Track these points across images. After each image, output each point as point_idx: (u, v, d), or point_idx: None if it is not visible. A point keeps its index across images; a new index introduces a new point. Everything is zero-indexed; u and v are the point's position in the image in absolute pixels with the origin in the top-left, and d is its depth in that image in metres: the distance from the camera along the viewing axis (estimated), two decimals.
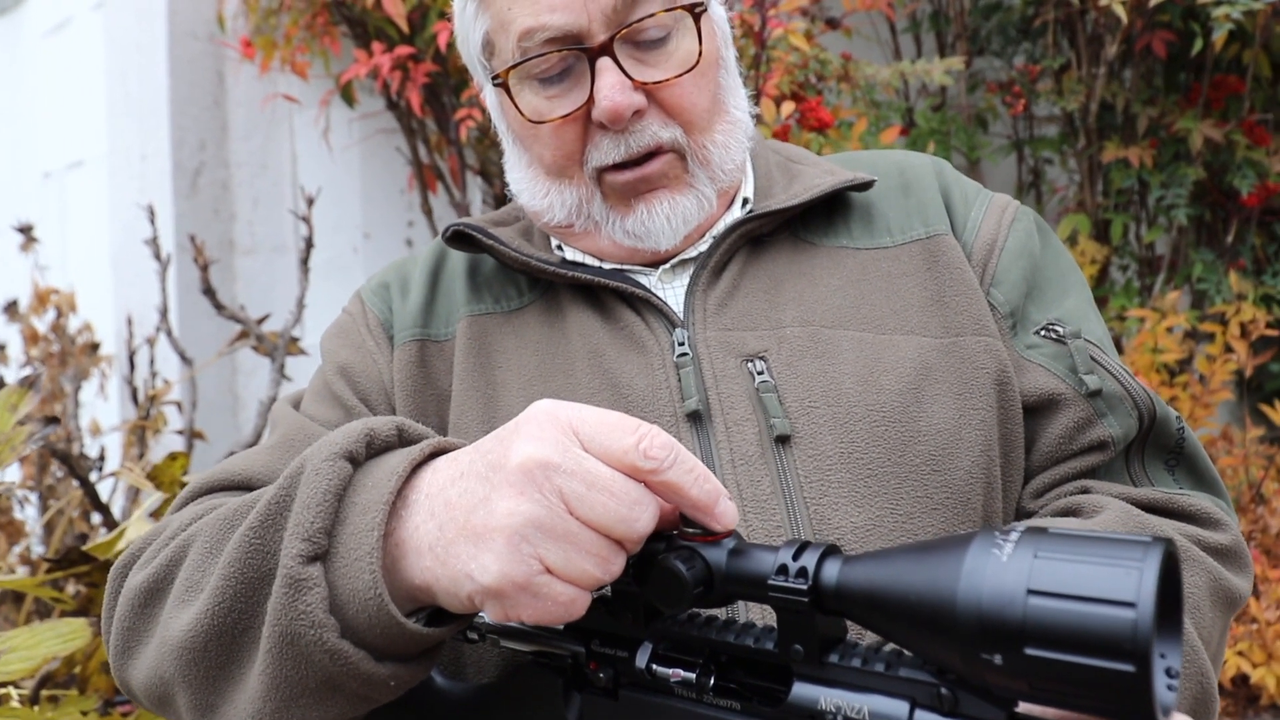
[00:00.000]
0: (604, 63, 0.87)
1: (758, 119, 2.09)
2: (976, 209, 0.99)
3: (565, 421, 0.64)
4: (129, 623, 0.77)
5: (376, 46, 2.26)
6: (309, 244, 2.21)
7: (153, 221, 2.19)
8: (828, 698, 0.60)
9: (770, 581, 0.61)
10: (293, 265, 2.58)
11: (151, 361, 2.44)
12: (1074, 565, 0.50)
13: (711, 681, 0.66)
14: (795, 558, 0.62)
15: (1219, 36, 1.95)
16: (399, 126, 2.65)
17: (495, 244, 0.96)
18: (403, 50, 2.24)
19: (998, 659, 0.51)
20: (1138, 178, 2.29)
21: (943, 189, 1.00)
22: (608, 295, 0.94)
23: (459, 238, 0.98)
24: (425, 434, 0.75)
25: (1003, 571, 0.52)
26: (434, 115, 2.48)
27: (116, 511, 2.57)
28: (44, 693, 1.63)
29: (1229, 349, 2.17)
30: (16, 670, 1.25)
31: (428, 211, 2.71)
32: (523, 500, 0.62)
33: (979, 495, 0.86)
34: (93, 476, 2.65)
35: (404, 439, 0.73)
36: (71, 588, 1.74)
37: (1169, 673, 0.53)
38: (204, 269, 2.08)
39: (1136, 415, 0.89)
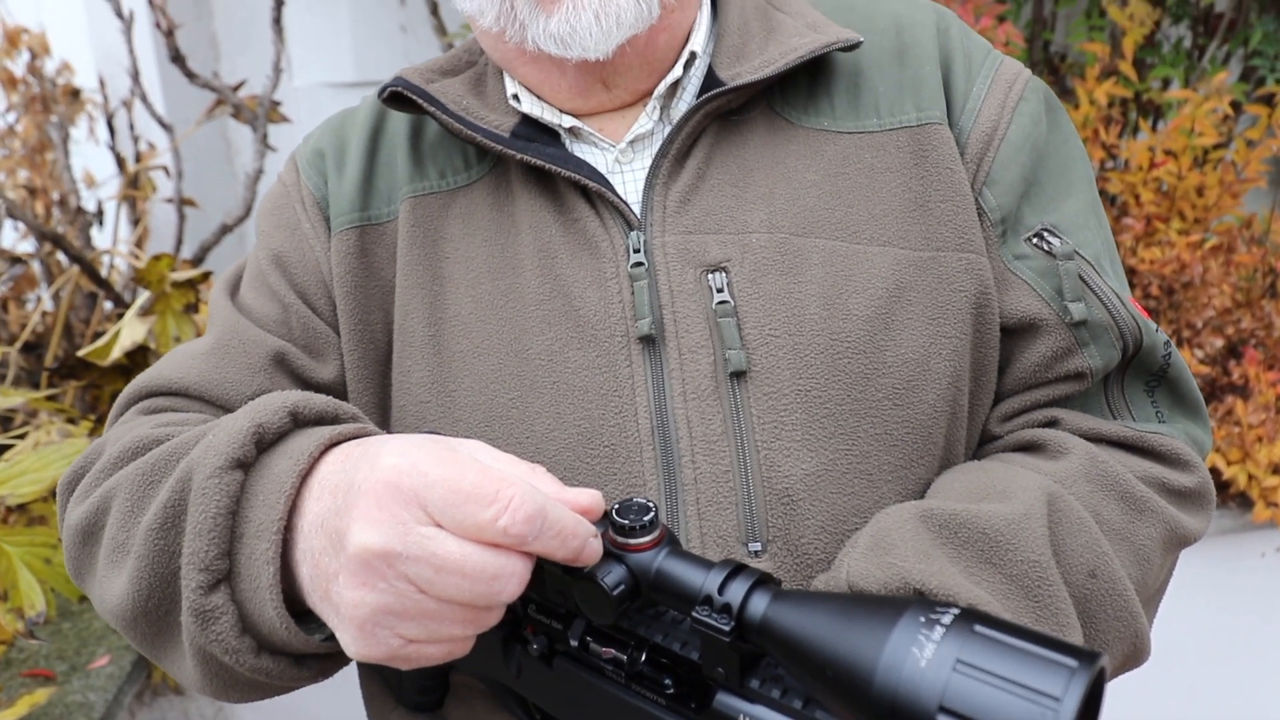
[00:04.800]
0: None
1: None
2: (980, 83, 0.88)
3: (409, 493, 0.58)
4: (75, 554, 0.79)
5: None
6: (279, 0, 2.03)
7: None
8: (748, 714, 0.62)
9: (695, 614, 0.61)
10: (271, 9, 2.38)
11: (131, 126, 2.33)
12: (990, 690, 0.49)
13: (644, 657, 0.68)
14: (722, 589, 0.61)
15: None
16: None
17: (438, 111, 0.87)
18: None
19: None
20: None
21: (943, 56, 0.89)
22: (561, 179, 0.86)
23: (397, 98, 0.89)
24: (323, 410, 0.71)
25: (919, 676, 0.51)
26: None
27: (123, 274, 2.58)
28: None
29: (1271, 133, 2.01)
30: (28, 493, 1.32)
31: None
32: (367, 591, 0.59)
33: (942, 428, 0.84)
34: (94, 233, 2.63)
35: (300, 420, 0.70)
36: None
37: None
38: (169, 34, 1.92)
39: (1121, 346, 0.84)
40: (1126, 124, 2.22)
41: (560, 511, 0.59)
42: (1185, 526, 0.83)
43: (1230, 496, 2.04)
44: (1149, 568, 0.80)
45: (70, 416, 1.72)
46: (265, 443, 0.68)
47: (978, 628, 0.51)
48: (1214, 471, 2.03)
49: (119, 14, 2.05)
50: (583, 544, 0.61)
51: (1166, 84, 2.20)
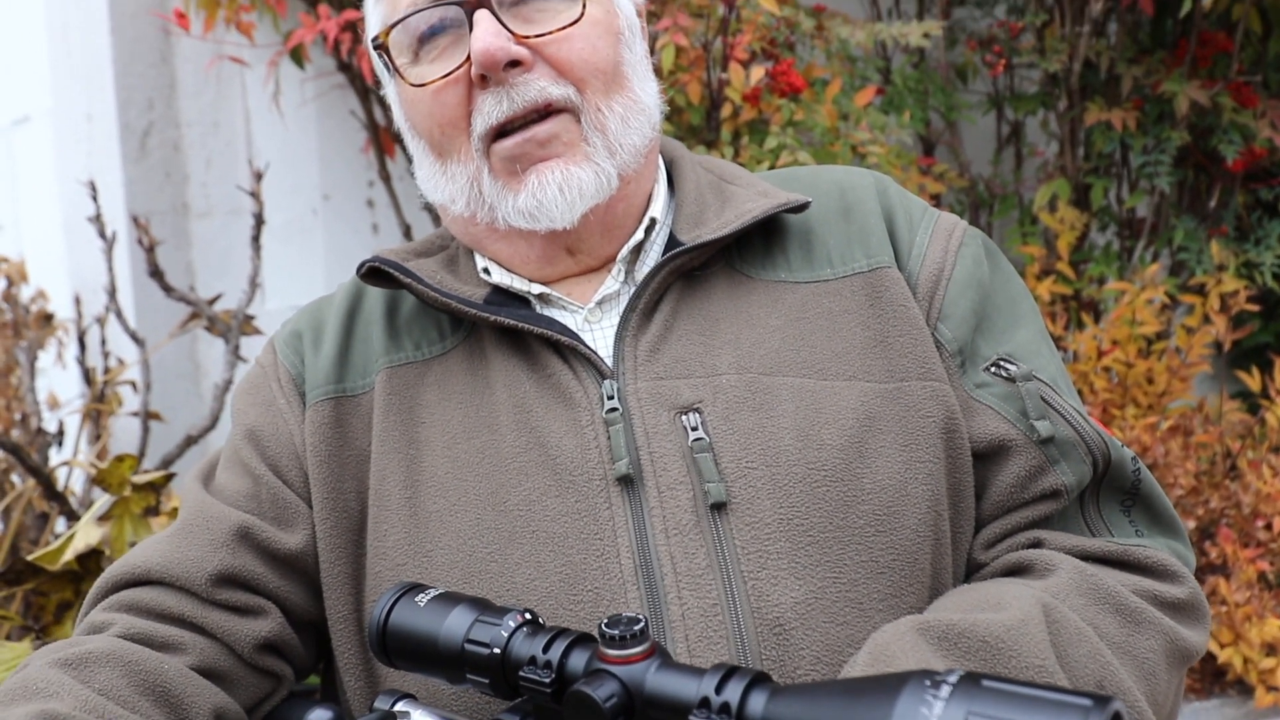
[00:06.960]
0: (480, 15, 0.84)
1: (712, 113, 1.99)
2: (921, 233, 0.94)
3: None
4: None
5: (323, 9, 2.14)
6: (259, 220, 2.12)
7: (95, 198, 2.09)
8: None
9: (692, 718, 0.57)
10: (250, 229, 2.49)
11: (103, 342, 2.36)
12: None
13: None
14: (719, 689, 0.58)
15: None
16: (352, 88, 2.54)
17: (413, 282, 0.90)
18: (351, 13, 2.12)
19: None
20: (1120, 141, 2.21)
21: (885, 212, 0.95)
22: (533, 338, 0.89)
23: (375, 274, 0.93)
24: None
25: None
26: None
27: (77, 495, 2.51)
28: None
29: (1207, 319, 2.12)
30: None
31: (386, 178, 2.61)
32: None
33: (927, 554, 0.82)
34: (52, 452, 2.59)
35: None
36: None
37: None
38: (150, 250, 1.99)
39: (1090, 461, 0.85)
40: (1070, 320, 2.33)
41: None
42: (1185, 639, 0.80)
43: (1229, 684, 1.97)
44: (1156, 682, 0.77)
45: (9, 629, 1.62)
46: None
47: (985, 683, 0.50)
48: (1209, 657, 1.97)
49: (102, 235, 2.13)
50: None
51: (1102, 281, 2.34)
